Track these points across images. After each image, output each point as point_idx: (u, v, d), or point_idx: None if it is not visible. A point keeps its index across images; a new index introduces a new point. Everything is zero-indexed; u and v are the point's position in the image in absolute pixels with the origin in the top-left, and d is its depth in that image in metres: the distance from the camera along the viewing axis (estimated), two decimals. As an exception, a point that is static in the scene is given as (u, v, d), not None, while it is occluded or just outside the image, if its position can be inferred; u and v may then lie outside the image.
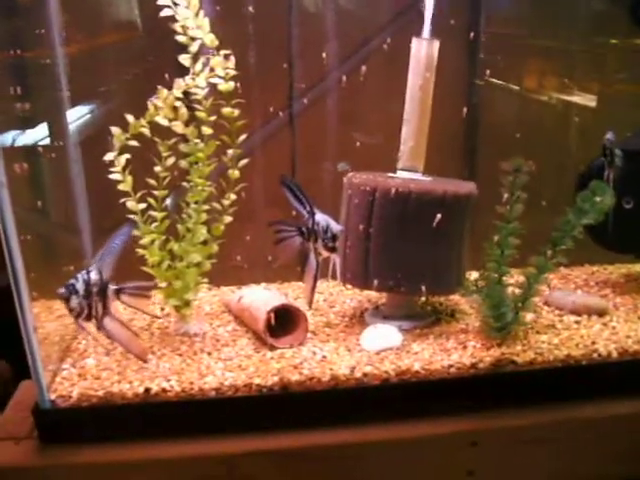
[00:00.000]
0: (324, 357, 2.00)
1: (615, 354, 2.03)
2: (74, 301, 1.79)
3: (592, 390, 2.01)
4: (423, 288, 2.10)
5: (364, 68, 2.48)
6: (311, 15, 2.55)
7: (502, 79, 2.78)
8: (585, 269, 2.71)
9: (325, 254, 2.07)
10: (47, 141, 2.32)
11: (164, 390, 1.87)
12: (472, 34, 2.59)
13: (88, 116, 2.48)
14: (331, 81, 2.55)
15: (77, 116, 2.42)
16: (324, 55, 2.46)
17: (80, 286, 1.80)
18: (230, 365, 1.97)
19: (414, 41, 2.15)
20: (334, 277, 2.18)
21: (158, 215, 2.11)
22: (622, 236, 2.31)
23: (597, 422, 1.98)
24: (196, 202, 2.11)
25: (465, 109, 2.61)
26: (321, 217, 2.04)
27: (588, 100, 2.84)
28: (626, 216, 2.32)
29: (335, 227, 2.03)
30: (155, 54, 2.36)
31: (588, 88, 2.84)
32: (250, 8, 2.33)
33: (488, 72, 2.67)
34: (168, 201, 2.14)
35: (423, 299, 2.33)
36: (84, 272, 1.82)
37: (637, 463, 2.02)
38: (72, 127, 2.37)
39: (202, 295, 2.44)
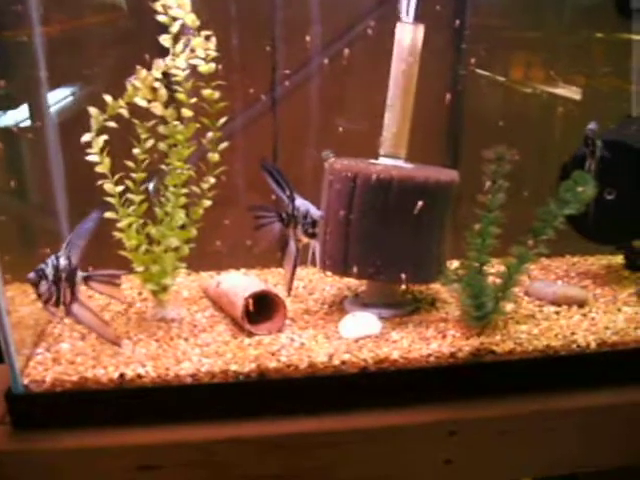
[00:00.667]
0: (302, 344, 1.98)
1: (594, 345, 2.03)
2: (43, 286, 1.78)
3: (571, 381, 2.01)
4: (403, 276, 2.08)
5: (348, 52, 2.45)
6: None
7: (487, 68, 2.76)
8: (566, 260, 2.71)
9: (305, 240, 2.04)
10: (25, 122, 2.28)
11: (139, 376, 1.84)
12: (458, 22, 2.57)
13: (68, 98, 2.44)
14: (315, 65, 2.52)
15: (56, 97, 2.38)
16: (308, 39, 2.43)
17: (49, 271, 1.78)
18: (207, 351, 1.95)
19: (398, 26, 2.12)
20: (314, 264, 2.16)
21: (136, 198, 2.08)
22: (603, 227, 2.31)
23: (575, 413, 1.98)
24: (175, 185, 2.08)
25: (449, 97, 2.60)
26: (301, 202, 2.01)
27: (573, 91, 2.83)
28: (608, 207, 2.32)
29: (315, 213, 2.00)
30: (138, 35, 2.32)
31: (573, 80, 2.83)
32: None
33: (473, 61, 2.64)
34: (150, 185, 2.11)
35: (403, 287, 2.32)
36: (53, 257, 1.81)
37: (615, 454, 2.03)
38: (51, 108, 2.33)
39: (180, 280, 2.42)
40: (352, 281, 2.38)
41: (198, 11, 2.00)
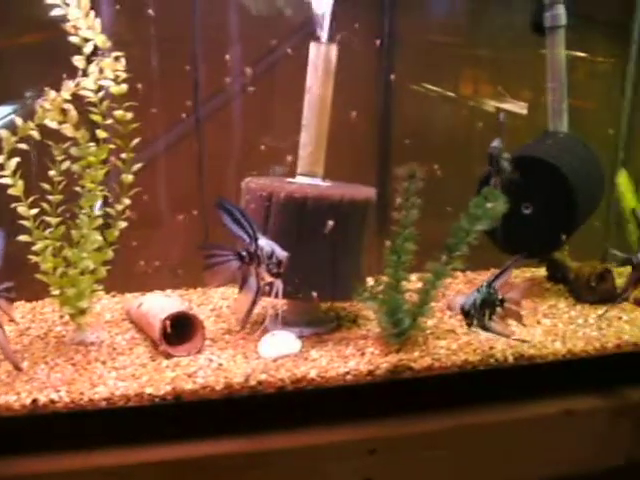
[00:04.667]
0: (220, 365, 1.97)
1: (511, 359, 2.04)
2: None
3: (489, 395, 2.03)
4: (319, 294, 2.08)
5: (270, 71, 2.46)
6: (217, 18, 2.50)
7: (414, 84, 2.79)
8: (491, 273, 2.71)
9: (268, 279, 2.00)
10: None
11: (52, 401, 1.80)
12: (380, 39, 2.59)
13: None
14: (237, 85, 2.52)
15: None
16: (228, 58, 2.43)
17: None
18: (123, 374, 1.92)
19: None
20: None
21: (52, 220, 2.05)
22: (520, 239, 2.35)
23: (495, 427, 2.00)
24: (90, 207, 2.06)
25: (377, 114, 2.63)
26: (265, 242, 1.95)
27: (500, 105, 2.87)
28: (524, 220, 2.36)
29: (280, 253, 1.95)
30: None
31: (500, 94, 2.87)
32: (150, 11, 2.30)
33: (400, 77, 2.67)
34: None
35: (325, 305, 2.31)
36: None
37: (537, 467, 2.05)
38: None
39: (104, 302, 2.39)
40: (275, 300, 2.36)
41: (117, 32, 2.00)
